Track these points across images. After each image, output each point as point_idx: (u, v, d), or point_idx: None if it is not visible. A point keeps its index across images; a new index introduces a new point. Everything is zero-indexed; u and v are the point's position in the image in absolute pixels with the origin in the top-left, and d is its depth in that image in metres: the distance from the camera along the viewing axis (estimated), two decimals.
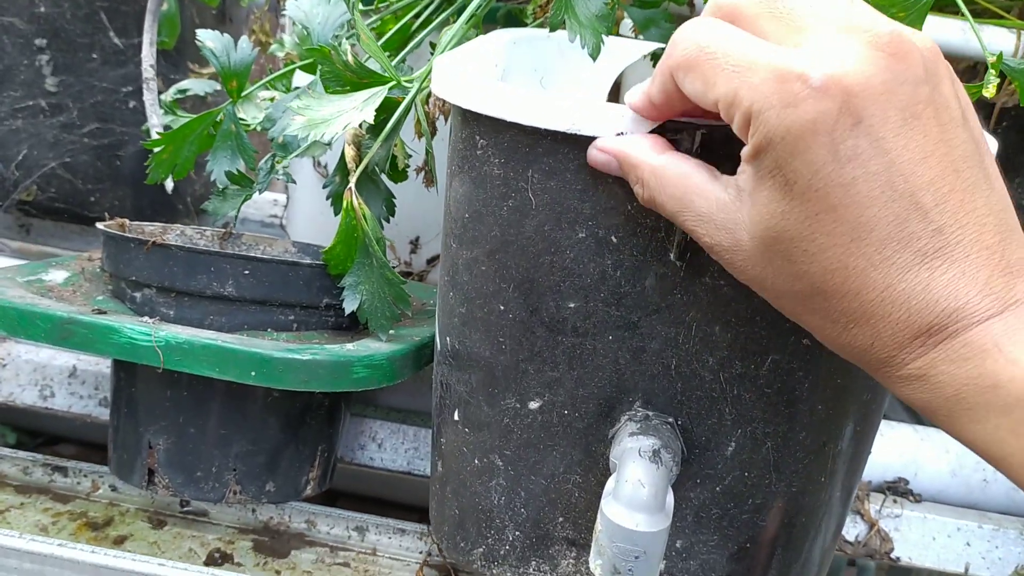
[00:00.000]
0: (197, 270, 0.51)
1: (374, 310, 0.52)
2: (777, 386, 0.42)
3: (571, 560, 0.48)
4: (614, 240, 0.41)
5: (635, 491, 0.40)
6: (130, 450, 0.54)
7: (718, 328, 0.41)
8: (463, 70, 0.44)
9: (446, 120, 0.61)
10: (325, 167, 0.87)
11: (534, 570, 0.49)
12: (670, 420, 0.43)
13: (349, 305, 0.52)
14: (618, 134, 0.38)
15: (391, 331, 0.53)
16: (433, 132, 0.61)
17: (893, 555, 0.63)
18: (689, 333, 0.42)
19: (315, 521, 0.59)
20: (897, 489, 0.65)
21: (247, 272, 0.51)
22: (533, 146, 0.40)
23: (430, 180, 0.67)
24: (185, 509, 0.59)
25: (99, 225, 0.55)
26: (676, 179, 0.35)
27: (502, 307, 0.44)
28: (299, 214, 0.91)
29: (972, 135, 0.32)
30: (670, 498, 0.41)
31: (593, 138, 0.38)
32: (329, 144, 0.58)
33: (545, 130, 0.39)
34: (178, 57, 0.94)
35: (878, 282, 0.31)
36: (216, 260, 0.51)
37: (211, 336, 0.48)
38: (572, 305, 0.42)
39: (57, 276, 0.59)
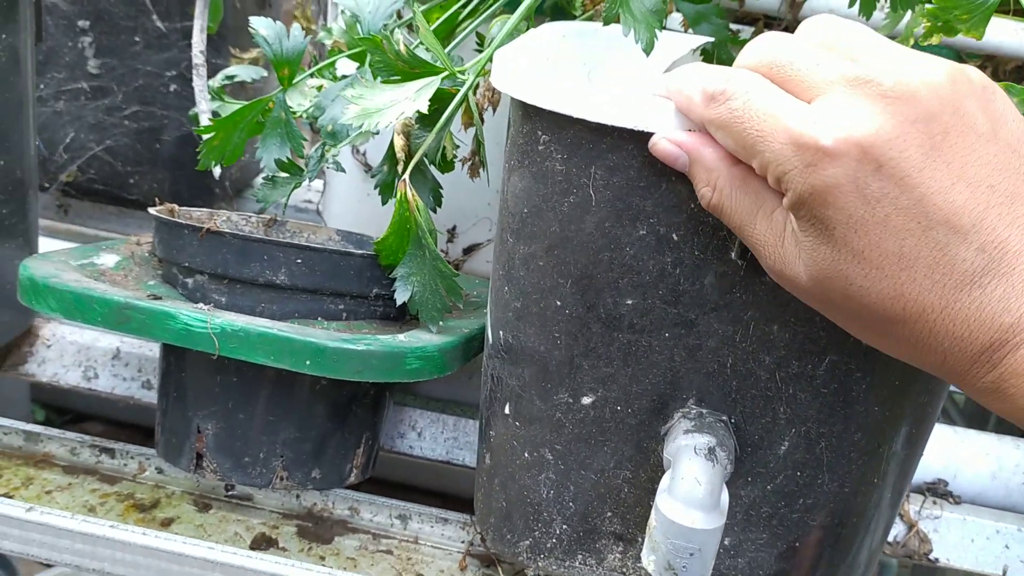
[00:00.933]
0: (250, 258, 0.51)
1: (425, 301, 0.53)
2: (834, 386, 0.42)
3: (617, 554, 0.49)
4: (675, 238, 0.41)
5: (691, 488, 0.40)
6: (179, 434, 0.55)
7: (776, 327, 0.41)
8: (523, 64, 0.44)
9: (494, 111, 0.61)
10: (364, 155, 0.87)
11: (580, 564, 0.49)
12: (724, 418, 0.44)
13: (401, 296, 0.52)
14: (689, 130, 0.38)
15: (440, 322, 0.53)
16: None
17: (932, 556, 0.63)
18: (747, 332, 0.42)
19: (358, 508, 0.59)
20: (937, 490, 0.65)
21: (299, 261, 0.51)
22: (597, 142, 0.40)
23: (476, 171, 0.68)
24: (230, 493, 0.59)
25: (151, 210, 0.55)
26: (748, 195, 0.36)
27: (559, 302, 0.44)
28: (336, 201, 0.91)
29: (1009, 144, 0.33)
30: (725, 496, 0.41)
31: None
32: (375, 132, 0.59)
33: (611, 127, 0.39)
34: (220, 42, 0.94)
35: (935, 304, 0.33)
36: (269, 248, 0.51)
37: (266, 324, 0.48)
38: (630, 302, 0.43)
39: (108, 260, 0.59)
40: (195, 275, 0.53)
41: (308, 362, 0.47)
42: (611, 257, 0.42)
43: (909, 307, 0.33)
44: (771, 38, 0.35)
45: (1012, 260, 0.32)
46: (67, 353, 0.72)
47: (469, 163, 0.68)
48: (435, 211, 0.58)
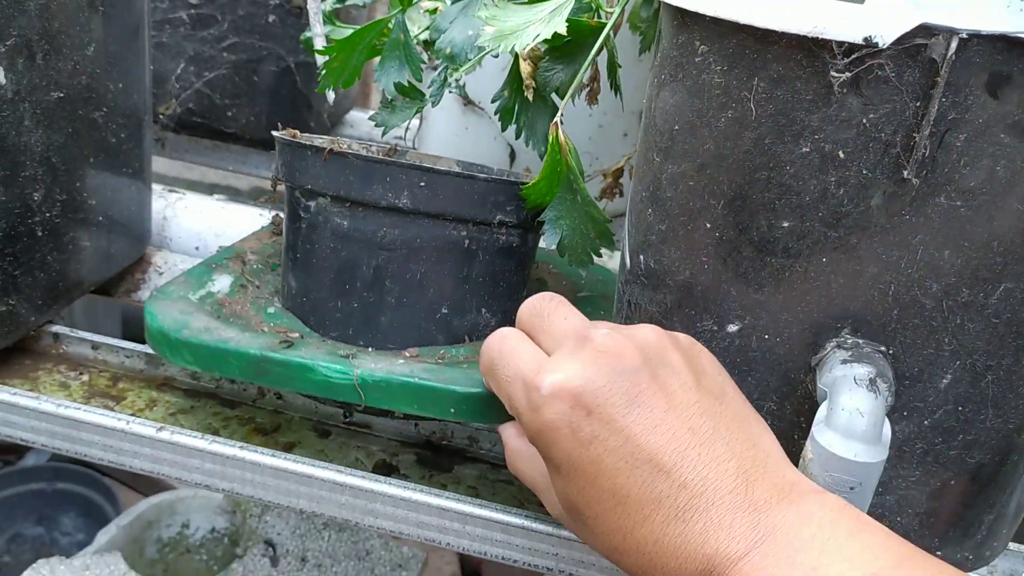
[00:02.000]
0: (373, 180, 0.50)
1: (575, 246, 0.51)
2: (1007, 316, 0.39)
3: None
4: (841, 155, 0.38)
5: (852, 420, 0.38)
6: None
7: (948, 252, 0.39)
8: None
9: (614, 34, 0.59)
10: (463, 86, 0.85)
11: None
12: (882, 348, 0.41)
13: (550, 240, 0.51)
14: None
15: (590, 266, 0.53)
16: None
17: None
18: (914, 257, 0.39)
19: (477, 437, 0.59)
20: None
21: (422, 184, 0.50)
22: (762, 51, 0.38)
23: (594, 97, 0.65)
24: (348, 420, 0.59)
25: (275, 133, 0.55)
26: (527, 461, 0.43)
27: (708, 225, 0.42)
28: (433, 136, 0.90)
29: (711, 392, 0.38)
30: (887, 429, 0.39)
31: (840, 43, 0.36)
32: (495, 55, 0.57)
33: (779, 33, 0.37)
34: None
35: (647, 538, 0.36)
36: (392, 170, 0.50)
37: (405, 373, 0.47)
38: (786, 224, 0.40)
39: (223, 284, 0.59)
40: (317, 198, 0.52)
41: (453, 410, 0.47)
42: (769, 176, 0.40)
43: (628, 540, 0.36)
44: (542, 298, 0.43)
45: (711, 495, 0.35)
46: None
47: (587, 89, 0.66)
48: None
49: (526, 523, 0.49)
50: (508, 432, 0.45)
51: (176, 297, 0.56)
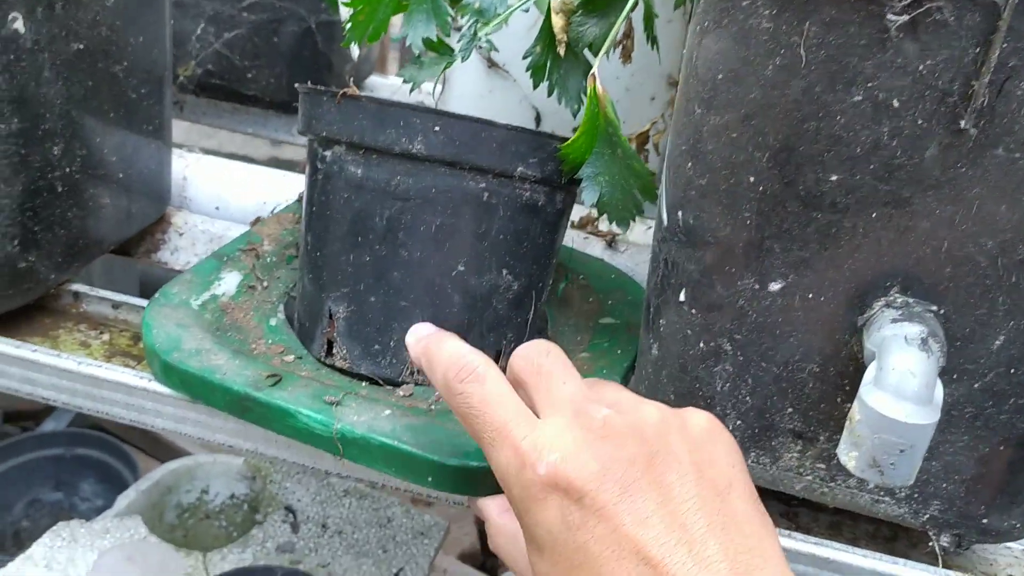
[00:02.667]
0: (386, 124, 0.48)
1: (615, 202, 0.50)
2: None
3: (795, 454, 0.46)
4: (895, 104, 0.37)
5: (903, 380, 0.36)
6: (312, 317, 0.53)
7: (1005, 207, 0.37)
8: None
9: None
10: (488, 43, 0.84)
11: (752, 462, 0.47)
12: (933, 308, 0.40)
13: (589, 197, 0.49)
14: None
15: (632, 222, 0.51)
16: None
17: None
18: (969, 212, 0.38)
19: None
20: None
21: (437, 128, 0.48)
22: None
23: (628, 56, 0.64)
24: None
25: (298, 86, 0.53)
26: (508, 539, 0.42)
27: (752, 178, 0.40)
28: (455, 99, 0.88)
29: (714, 485, 0.35)
30: (939, 390, 0.37)
31: None
32: (526, 10, 0.55)
33: None
34: None
35: None
36: (406, 114, 0.48)
37: (386, 433, 0.46)
38: (834, 178, 0.39)
39: (230, 284, 0.58)
40: (333, 146, 0.51)
41: (430, 479, 0.45)
42: (818, 127, 0.38)
43: None
44: (539, 351, 0.40)
45: None
46: (199, 241, 0.72)
47: (620, 47, 0.64)
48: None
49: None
50: (490, 508, 0.43)
51: (177, 302, 0.55)
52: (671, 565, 0.33)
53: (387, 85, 1.22)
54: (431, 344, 0.43)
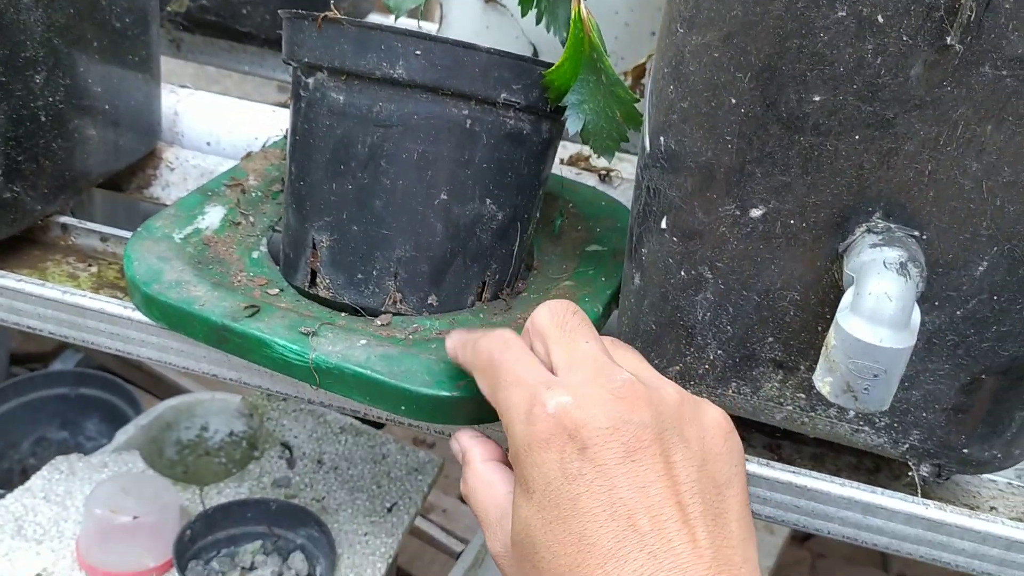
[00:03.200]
0: (367, 48, 0.48)
1: (599, 131, 0.49)
2: None
3: (775, 383, 0.45)
4: (880, 20, 0.36)
5: (879, 304, 0.36)
6: (296, 248, 0.53)
7: (990, 127, 0.36)
8: None
9: None
10: None
11: (733, 392, 0.46)
12: (915, 234, 0.39)
13: (573, 125, 0.48)
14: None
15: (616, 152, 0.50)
16: None
17: None
18: (953, 133, 0.37)
19: None
20: None
21: (418, 52, 0.47)
22: None
23: None
24: None
25: (281, 12, 0.52)
26: (485, 487, 0.40)
27: (733, 100, 0.39)
28: (453, 34, 0.87)
29: (715, 478, 0.36)
30: (916, 315, 0.37)
31: None
32: None
33: None
34: None
35: None
36: (387, 37, 0.47)
37: (360, 362, 0.46)
38: (817, 98, 0.38)
39: (213, 218, 0.58)
40: (315, 73, 0.50)
41: (403, 407, 0.45)
42: (800, 45, 0.37)
43: None
44: (565, 310, 0.40)
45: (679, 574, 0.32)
46: (190, 176, 0.71)
47: None
48: None
49: None
50: (475, 452, 0.41)
51: (160, 236, 0.55)
52: (659, 538, 0.33)
53: (386, 24, 1.20)
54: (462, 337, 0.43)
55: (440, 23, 0.91)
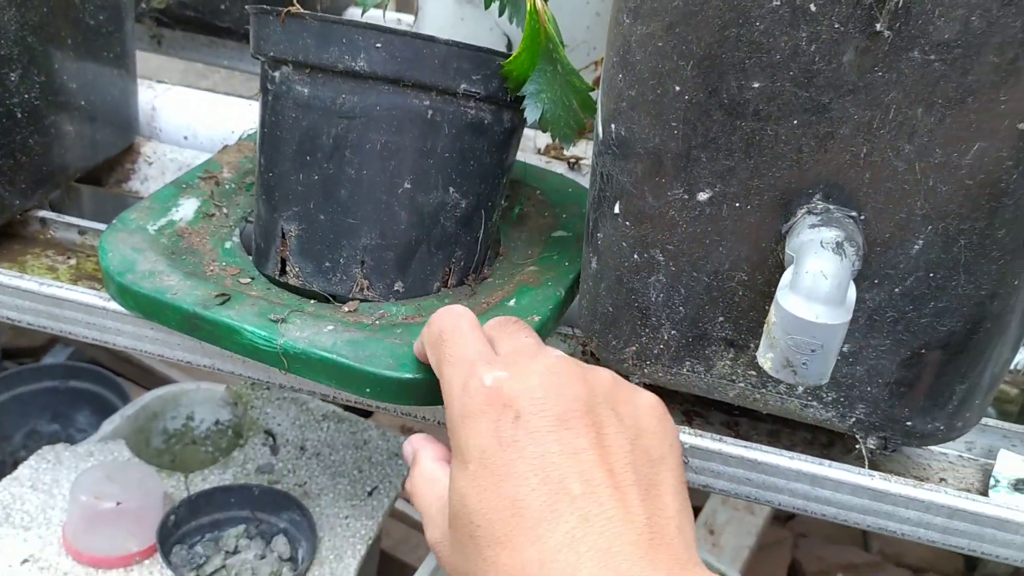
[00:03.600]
0: (330, 41, 0.49)
1: (557, 119, 0.50)
2: (980, 177, 0.38)
3: (728, 361, 0.47)
4: (812, 8, 0.37)
5: (816, 282, 0.37)
6: (267, 237, 0.54)
7: (921, 111, 0.38)
8: None
9: None
10: None
11: (688, 371, 0.48)
12: (853, 214, 0.41)
13: (531, 115, 0.50)
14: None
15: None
16: None
17: None
18: (886, 117, 0.38)
19: None
20: None
21: (378, 45, 0.49)
22: None
23: None
24: None
25: (248, 7, 0.54)
26: (428, 483, 0.41)
27: (677, 87, 0.41)
28: (428, 27, 0.88)
29: (648, 452, 0.37)
30: (852, 292, 0.38)
31: None
32: None
33: None
34: None
35: (535, 558, 0.33)
36: (348, 31, 0.49)
37: (327, 347, 0.47)
38: (756, 85, 0.39)
39: (187, 210, 0.59)
40: (280, 67, 0.51)
41: (368, 390, 0.47)
42: (738, 34, 0.38)
43: (515, 558, 0.34)
44: (508, 319, 0.43)
45: (610, 538, 0.33)
46: (168, 170, 0.73)
47: None
48: None
49: None
50: (425, 453, 0.42)
51: (134, 228, 0.56)
52: (591, 501, 0.34)
53: (347, 18, 1.21)
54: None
55: (416, 15, 0.92)
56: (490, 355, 0.39)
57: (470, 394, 0.37)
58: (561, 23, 0.68)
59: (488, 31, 0.85)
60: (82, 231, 0.64)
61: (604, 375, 0.39)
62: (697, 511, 1.18)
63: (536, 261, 0.57)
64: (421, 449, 0.42)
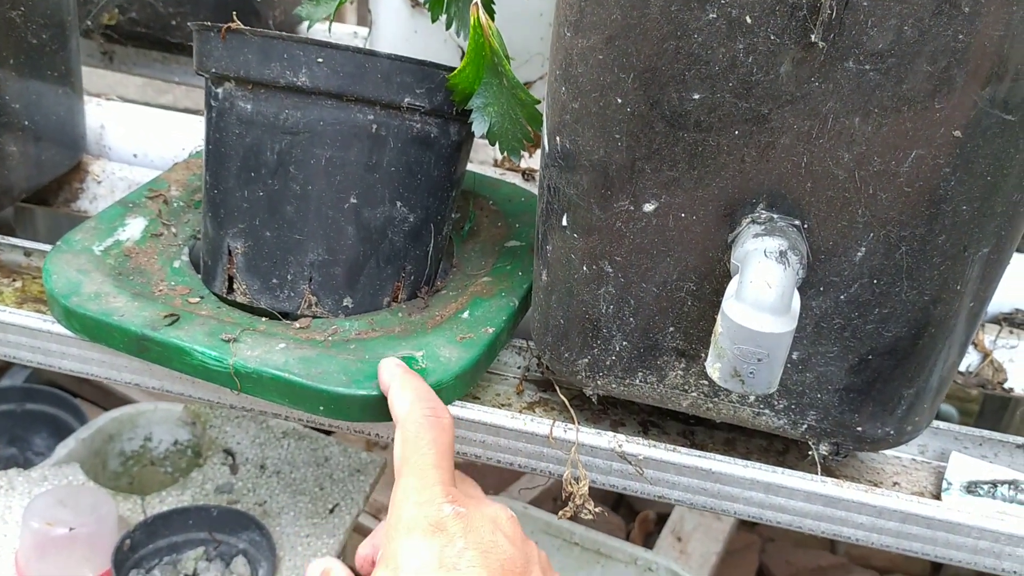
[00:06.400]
0: (271, 57, 0.49)
1: (504, 132, 0.50)
2: (919, 184, 0.39)
3: (679, 371, 0.47)
4: (748, 21, 0.37)
5: (760, 292, 0.38)
6: (214, 255, 0.54)
7: (858, 120, 0.38)
8: None
9: None
10: None
11: (640, 381, 0.48)
12: (796, 223, 0.41)
13: (479, 128, 0.50)
14: None
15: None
16: None
17: (1006, 386, 0.60)
18: (824, 126, 0.39)
19: None
20: (1014, 320, 0.62)
21: (320, 60, 0.48)
22: None
23: None
24: None
25: (191, 24, 0.53)
26: None
27: (619, 100, 0.41)
28: (382, 40, 0.88)
29: None
30: (796, 301, 0.38)
31: None
32: None
33: None
34: None
35: None
36: (289, 46, 0.48)
37: (278, 365, 0.47)
38: (696, 97, 0.39)
39: (135, 229, 0.58)
40: (223, 83, 0.51)
41: (322, 408, 0.46)
42: (677, 46, 0.39)
43: None
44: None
45: None
46: (118, 189, 0.72)
47: None
48: None
49: None
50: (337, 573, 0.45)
51: (79, 249, 0.55)
52: None
53: (323, 32, 1.21)
54: (407, 372, 0.46)
55: (370, 30, 0.92)
56: (451, 480, 0.41)
57: (426, 508, 0.39)
58: (515, 35, 0.68)
59: (442, 43, 0.85)
60: (27, 252, 0.62)
61: (533, 547, 0.42)
62: (664, 518, 1.18)
63: (489, 272, 0.57)
64: (332, 569, 0.45)
